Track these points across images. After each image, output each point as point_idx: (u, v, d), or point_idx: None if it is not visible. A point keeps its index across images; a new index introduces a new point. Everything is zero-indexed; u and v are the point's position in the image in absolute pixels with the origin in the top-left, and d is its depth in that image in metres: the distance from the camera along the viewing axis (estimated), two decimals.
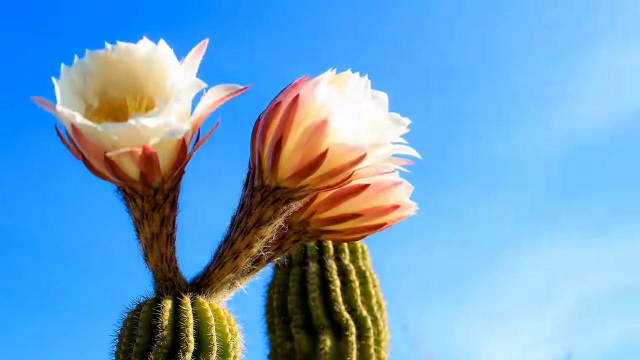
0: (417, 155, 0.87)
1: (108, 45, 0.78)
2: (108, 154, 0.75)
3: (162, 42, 0.78)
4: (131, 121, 0.72)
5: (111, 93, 0.79)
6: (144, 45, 0.78)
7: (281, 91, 0.85)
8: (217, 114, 0.82)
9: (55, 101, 0.74)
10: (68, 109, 0.73)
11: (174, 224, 0.86)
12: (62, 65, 0.77)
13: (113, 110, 0.79)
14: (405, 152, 0.85)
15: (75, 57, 0.78)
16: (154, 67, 0.77)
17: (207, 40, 0.81)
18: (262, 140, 0.84)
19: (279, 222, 0.88)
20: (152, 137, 0.75)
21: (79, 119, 0.72)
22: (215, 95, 0.80)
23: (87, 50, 0.78)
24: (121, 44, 0.78)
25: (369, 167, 0.84)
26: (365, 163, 0.82)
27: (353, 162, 0.82)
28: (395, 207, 0.93)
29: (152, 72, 0.77)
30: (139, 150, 0.75)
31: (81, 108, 0.77)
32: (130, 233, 0.88)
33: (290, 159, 0.82)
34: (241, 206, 0.88)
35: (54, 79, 0.75)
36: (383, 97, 0.87)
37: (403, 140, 0.85)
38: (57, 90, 0.74)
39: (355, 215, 0.91)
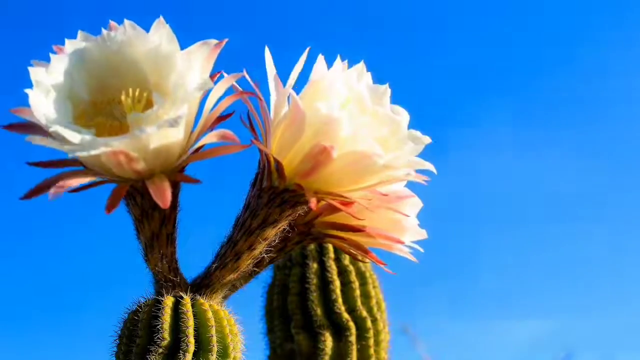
0: (433, 170, 0.84)
1: (104, 32, 0.75)
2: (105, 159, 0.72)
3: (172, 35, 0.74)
4: (135, 131, 0.69)
5: (105, 85, 0.76)
6: (152, 35, 0.74)
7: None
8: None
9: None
10: (64, 129, 0.68)
11: (174, 223, 0.85)
12: (31, 69, 0.71)
13: (105, 104, 0.77)
14: (421, 166, 0.83)
15: (54, 53, 0.74)
16: (159, 61, 0.74)
17: (225, 40, 0.78)
18: (264, 143, 0.83)
19: (284, 225, 0.87)
20: (152, 141, 0.72)
21: (79, 140, 0.68)
22: (225, 86, 0.78)
23: (70, 40, 0.74)
24: (126, 31, 0.74)
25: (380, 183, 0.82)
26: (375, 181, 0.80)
27: (366, 187, 0.80)
28: (400, 242, 0.91)
29: (156, 67, 0.74)
30: (135, 155, 0.72)
31: (69, 111, 0.73)
32: (131, 233, 0.87)
33: (300, 165, 0.81)
34: (247, 206, 0.87)
35: (28, 90, 0.70)
36: (403, 111, 0.84)
37: (424, 162, 0.83)
38: (34, 99, 0.69)
39: (357, 229, 0.90)
